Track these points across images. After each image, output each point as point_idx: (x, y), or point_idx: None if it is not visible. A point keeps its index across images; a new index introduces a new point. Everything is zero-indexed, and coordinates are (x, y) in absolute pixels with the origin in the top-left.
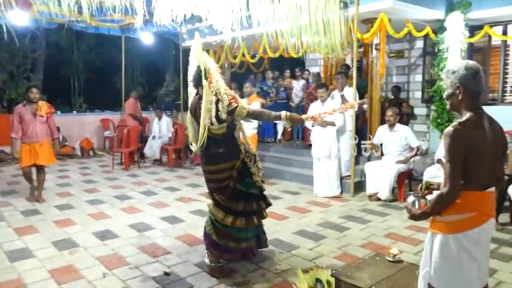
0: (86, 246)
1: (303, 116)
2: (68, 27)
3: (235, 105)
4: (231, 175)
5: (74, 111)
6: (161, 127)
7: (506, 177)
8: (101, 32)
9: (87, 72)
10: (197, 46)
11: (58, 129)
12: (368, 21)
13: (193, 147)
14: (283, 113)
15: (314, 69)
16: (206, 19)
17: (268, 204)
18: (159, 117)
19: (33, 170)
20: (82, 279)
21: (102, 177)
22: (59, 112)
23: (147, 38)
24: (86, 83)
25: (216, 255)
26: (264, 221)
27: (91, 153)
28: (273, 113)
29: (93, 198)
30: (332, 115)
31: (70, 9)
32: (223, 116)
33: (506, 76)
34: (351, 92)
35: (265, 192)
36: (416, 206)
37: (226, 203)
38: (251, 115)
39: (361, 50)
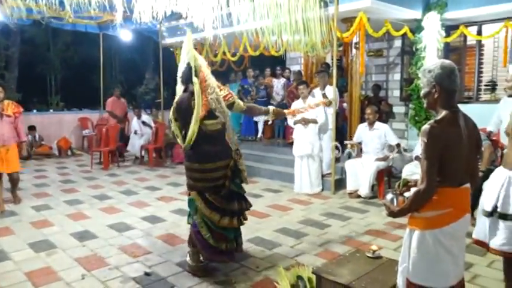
0: (64, 248)
1: (285, 111)
2: (43, 24)
3: (233, 100)
4: (226, 174)
5: (51, 110)
6: (142, 125)
7: (480, 174)
8: (77, 29)
9: (64, 70)
10: (188, 43)
11: (34, 128)
12: (347, 21)
13: (181, 143)
14: (271, 108)
15: (295, 68)
16: (186, 17)
17: (250, 206)
18: (138, 116)
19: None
20: (60, 281)
21: (80, 177)
22: (35, 111)
23: (125, 36)
24: (63, 81)
25: (207, 258)
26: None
27: (69, 152)
28: (263, 108)
29: (71, 198)
30: (311, 111)
31: (47, 5)
32: (219, 112)
33: (481, 75)
34: (331, 91)
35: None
36: (395, 204)
37: (220, 204)
38: (246, 109)
39: (341, 48)
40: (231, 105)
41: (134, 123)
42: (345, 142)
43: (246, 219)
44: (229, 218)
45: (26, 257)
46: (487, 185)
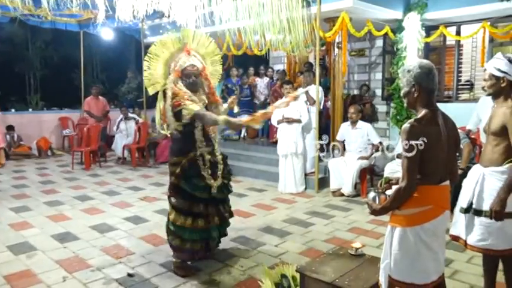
0: (44, 250)
1: (243, 120)
2: (21, 22)
3: (180, 108)
4: (175, 171)
5: (30, 109)
6: (127, 125)
7: (460, 171)
8: (57, 27)
9: (43, 68)
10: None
11: (12, 128)
12: (330, 20)
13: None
14: (222, 117)
15: (278, 67)
16: (168, 15)
17: (227, 211)
18: (125, 115)
19: None
20: (40, 284)
21: (61, 177)
22: (13, 110)
23: (107, 34)
24: (43, 80)
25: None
26: (230, 219)
27: (49, 152)
28: (214, 116)
29: (51, 199)
30: (294, 111)
31: (25, 2)
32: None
33: (460, 75)
34: (315, 90)
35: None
36: (377, 202)
37: (171, 196)
38: (196, 117)
39: (324, 48)
40: (178, 113)
41: (121, 123)
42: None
43: (209, 223)
44: (175, 214)
45: (5, 259)
46: (464, 182)
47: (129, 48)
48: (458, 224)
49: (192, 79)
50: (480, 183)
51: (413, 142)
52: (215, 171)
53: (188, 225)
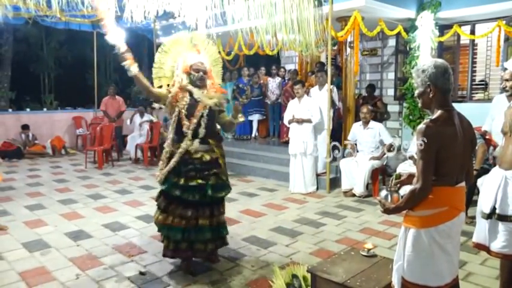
0: (58, 247)
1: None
2: (36, 23)
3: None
4: None
5: (44, 109)
6: (144, 124)
7: (475, 172)
8: (71, 28)
9: (57, 68)
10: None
11: (27, 127)
12: (342, 20)
13: None
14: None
15: (290, 67)
16: (179, 16)
17: (205, 216)
18: (142, 115)
19: None
20: (54, 281)
21: (74, 176)
22: (28, 109)
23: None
24: (57, 79)
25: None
26: (241, 218)
27: (63, 151)
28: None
29: (65, 197)
30: (305, 111)
31: (38, 3)
32: None
33: (474, 74)
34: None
35: (240, 190)
36: (389, 200)
37: None
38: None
39: (335, 47)
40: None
41: (136, 122)
42: (345, 142)
43: (187, 225)
44: (156, 210)
45: (20, 256)
46: (483, 186)
47: (141, 48)
48: (480, 231)
49: (201, 75)
50: (503, 187)
51: (418, 142)
52: (182, 170)
53: (159, 221)
